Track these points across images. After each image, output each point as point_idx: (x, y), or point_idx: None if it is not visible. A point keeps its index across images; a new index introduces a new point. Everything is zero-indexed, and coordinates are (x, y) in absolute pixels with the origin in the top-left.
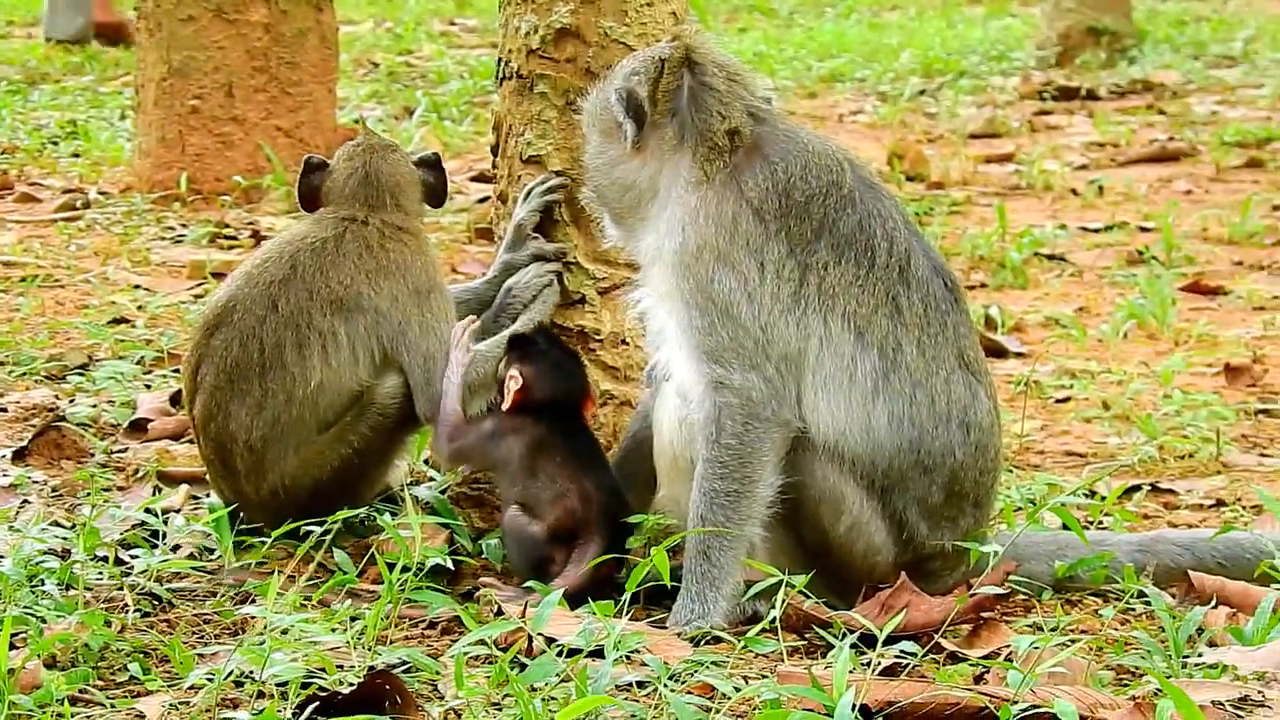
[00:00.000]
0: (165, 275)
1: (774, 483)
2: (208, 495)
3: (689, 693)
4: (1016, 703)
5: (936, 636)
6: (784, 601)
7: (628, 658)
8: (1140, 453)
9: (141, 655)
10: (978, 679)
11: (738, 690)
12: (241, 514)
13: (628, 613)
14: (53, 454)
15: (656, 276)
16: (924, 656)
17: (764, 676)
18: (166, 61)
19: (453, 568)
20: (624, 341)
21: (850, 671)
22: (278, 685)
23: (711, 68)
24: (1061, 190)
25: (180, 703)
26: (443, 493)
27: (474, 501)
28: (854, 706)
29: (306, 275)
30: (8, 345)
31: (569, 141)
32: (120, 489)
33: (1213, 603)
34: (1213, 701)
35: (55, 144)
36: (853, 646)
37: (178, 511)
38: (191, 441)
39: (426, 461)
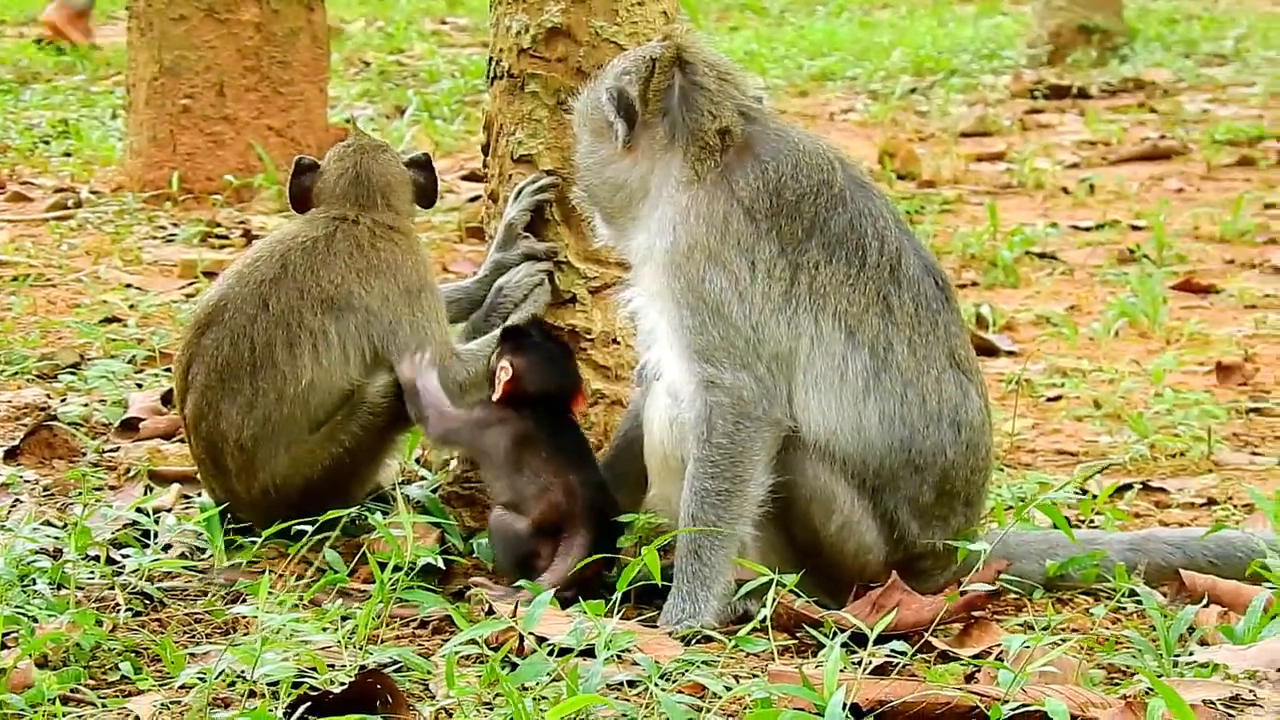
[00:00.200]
0: (157, 274)
1: (765, 482)
2: (199, 494)
3: (680, 692)
4: (1007, 702)
5: (927, 635)
6: (775, 600)
7: (619, 657)
8: (1131, 451)
9: (133, 654)
10: (968, 678)
11: (729, 689)
12: (232, 513)
13: (618, 612)
14: (44, 453)
15: (648, 276)
16: (915, 655)
17: (755, 676)
18: (158, 61)
19: (444, 567)
20: (615, 340)
21: (841, 670)
22: (269, 685)
23: (702, 67)
24: (1053, 189)
25: (171, 702)
26: (434, 492)
27: (465, 501)
28: (844, 705)
29: (297, 274)
30: None
31: (560, 141)
32: (112, 488)
33: (1204, 601)
34: (1204, 700)
35: (47, 143)
36: (843, 645)
37: (169, 511)
38: (183, 441)
39: (418, 460)
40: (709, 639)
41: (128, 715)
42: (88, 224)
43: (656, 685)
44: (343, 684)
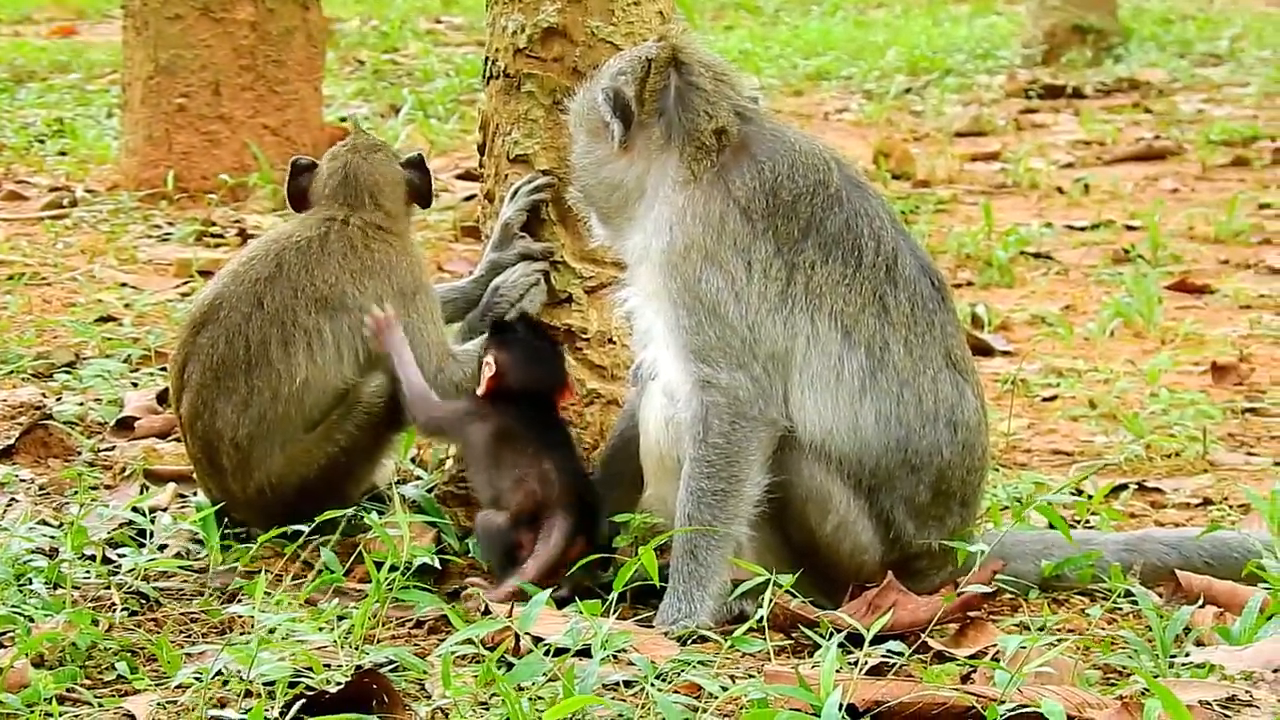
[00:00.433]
0: (152, 273)
1: (761, 482)
2: (195, 494)
3: (676, 692)
4: (1004, 702)
5: (923, 636)
6: (771, 601)
7: (615, 657)
8: (1127, 451)
9: (129, 654)
10: (965, 678)
11: (725, 689)
12: (228, 513)
13: (615, 612)
14: (40, 452)
15: (644, 276)
16: (911, 656)
17: (751, 676)
18: (153, 60)
19: (440, 567)
20: (611, 340)
21: (837, 671)
22: (265, 684)
23: (698, 67)
24: (1047, 188)
25: (168, 701)
26: (430, 492)
27: (461, 500)
28: (841, 706)
29: (292, 274)
30: None
31: (556, 140)
32: (107, 487)
33: (1200, 602)
34: (1200, 701)
35: (42, 142)
36: (840, 646)
37: (165, 510)
38: (178, 440)
39: (414, 460)
40: (705, 639)
41: (124, 715)
42: (83, 223)
43: (652, 685)
44: (339, 684)
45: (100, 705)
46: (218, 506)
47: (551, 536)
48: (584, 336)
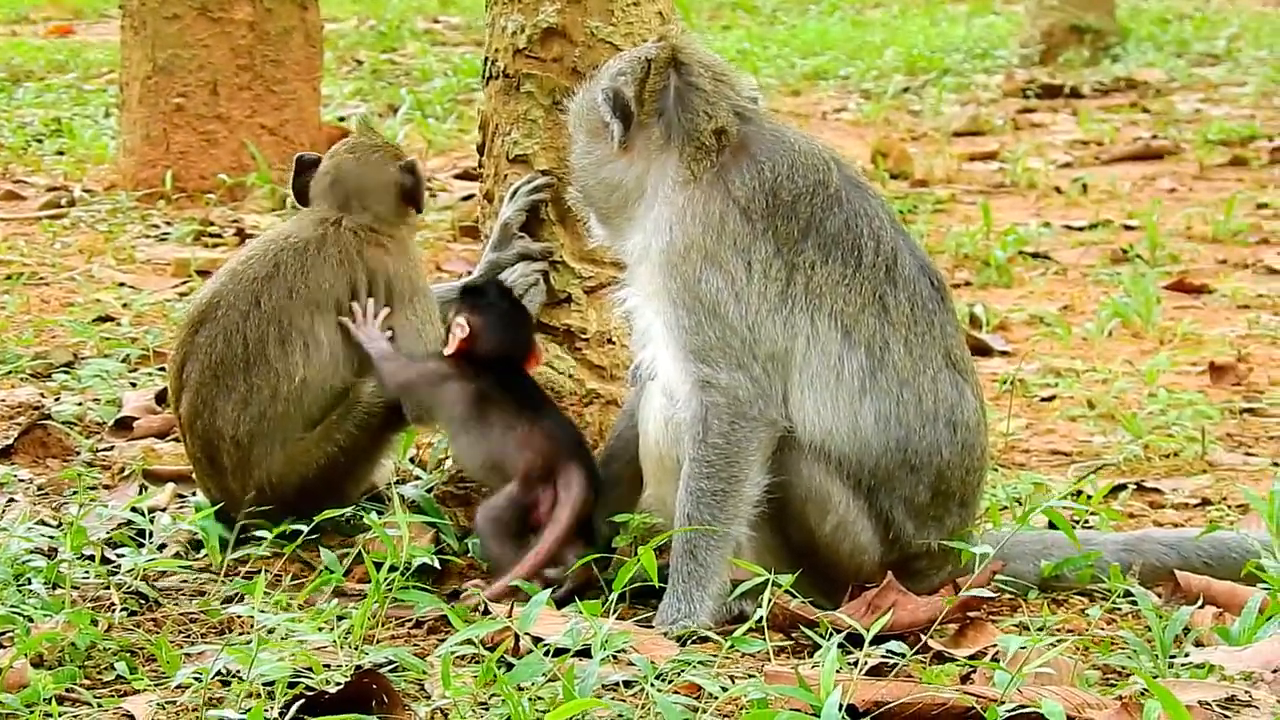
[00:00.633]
0: (150, 273)
1: (760, 482)
2: (194, 494)
3: (676, 692)
4: (1003, 703)
5: (923, 636)
6: (770, 601)
7: (614, 657)
8: (1125, 451)
9: (128, 654)
10: (964, 679)
11: (724, 690)
12: (228, 513)
13: (614, 612)
14: (38, 452)
15: (643, 276)
16: (911, 656)
17: (751, 676)
18: (151, 59)
19: (439, 567)
20: (610, 340)
21: (837, 671)
22: (264, 684)
23: (697, 68)
24: (1045, 188)
25: (167, 702)
26: (429, 492)
27: (460, 500)
28: (841, 706)
29: (288, 274)
30: None
31: (555, 141)
32: (106, 487)
33: (1199, 602)
34: (1199, 701)
35: (40, 141)
36: (839, 646)
37: (164, 510)
38: (177, 440)
39: (413, 460)
40: (705, 639)
41: (123, 715)
42: (81, 223)
43: (652, 686)
44: (338, 684)
45: (99, 705)
46: (217, 507)
47: (573, 486)
48: (583, 336)
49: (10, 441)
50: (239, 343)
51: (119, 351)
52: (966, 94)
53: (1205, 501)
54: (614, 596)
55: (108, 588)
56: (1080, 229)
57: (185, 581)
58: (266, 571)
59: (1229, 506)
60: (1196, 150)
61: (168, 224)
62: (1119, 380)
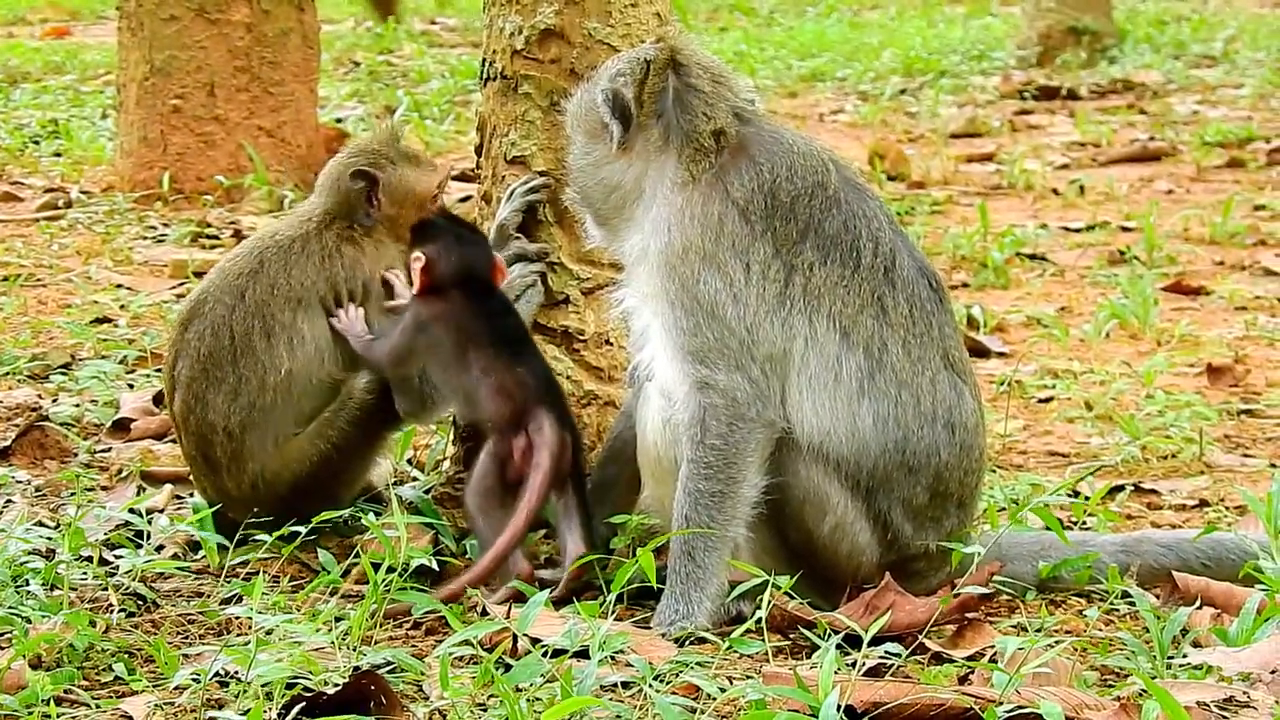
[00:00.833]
0: (147, 275)
1: (758, 483)
2: (191, 495)
3: (674, 693)
4: (1001, 704)
5: (921, 637)
6: (769, 602)
7: (613, 658)
8: (1123, 453)
9: (127, 655)
10: (962, 679)
11: (723, 691)
12: (225, 514)
13: (612, 613)
14: (36, 454)
15: (641, 277)
16: (909, 657)
17: (749, 677)
18: (148, 61)
19: (437, 568)
20: (608, 342)
21: (835, 672)
22: (263, 685)
23: (696, 69)
24: (1043, 190)
25: (165, 703)
26: (427, 493)
27: (458, 502)
28: (839, 707)
29: (271, 271)
30: None
31: (553, 142)
32: (104, 489)
33: (1197, 603)
34: (1198, 702)
35: (37, 143)
36: (838, 647)
37: (162, 511)
38: (174, 441)
39: (410, 462)
40: (703, 640)
41: (122, 716)
42: (78, 224)
43: (650, 687)
44: (337, 685)
45: (98, 707)
46: (215, 508)
47: (544, 429)
48: (581, 338)
49: (8, 443)
50: (226, 335)
51: (116, 353)
52: (964, 96)
53: (1203, 503)
54: (612, 597)
55: (106, 589)
56: (1077, 230)
57: (183, 583)
58: (265, 573)
59: (1227, 508)
60: (1194, 152)
61: (165, 225)
62: (1116, 381)
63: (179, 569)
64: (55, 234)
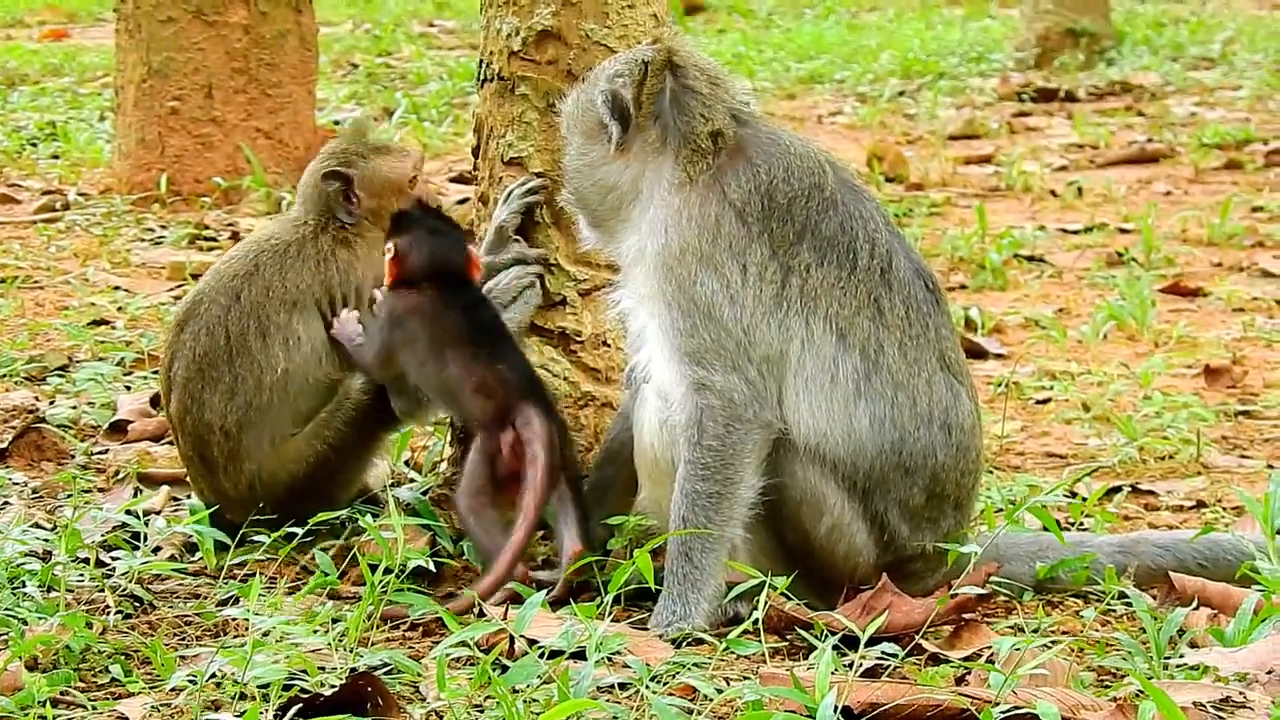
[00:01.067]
0: (145, 277)
1: (755, 484)
2: (188, 497)
3: (671, 694)
4: (998, 704)
5: (918, 638)
6: (766, 603)
7: (609, 659)
8: (1120, 454)
9: (123, 657)
10: (959, 680)
11: (720, 692)
12: (222, 516)
13: (609, 614)
14: (33, 455)
15: (638, 278)
16: (905, 658)
17: (746, 678)
18: (146, 63)
19: (434, 570)
20: (605, 343)
21: (832, 673)
22: (259, 687)
23: (693, 70)
24: (1041, 191)
25: (162, 704)
26: (424, 494)
27: (454, 503)
28: (836, 708)
29: (266, 273)
30: None
31: (550, 143)
32: (101, 490)
33: (1194, 604)
34: (1194, 703)
35: (34, 145)
36: (834, 648)
37: (158, 513)
38: (171, 443)
39: (408, 463)
40: (700, 641)
41: (118, 718)
42: (76, 226)
43: (647, 688)
44: (333, 686)
45: (94, 708)
46: (212, 509)
47: (533, 423)
48: (578, 339)
49: (5, 445)
50: (221, 335)
51: (114, 355)
52: (962, 97)
53: (1200, 504)
54: (609, 598)
55: (102, 590)
56: (1075, 232)
57: (180, 584)
58: (262, 574)
59: (1224, 508)
60: (1192, 154)
61: (163, 227)
62: (1114, 383)
63: (176, 570)
64: (53, 236)
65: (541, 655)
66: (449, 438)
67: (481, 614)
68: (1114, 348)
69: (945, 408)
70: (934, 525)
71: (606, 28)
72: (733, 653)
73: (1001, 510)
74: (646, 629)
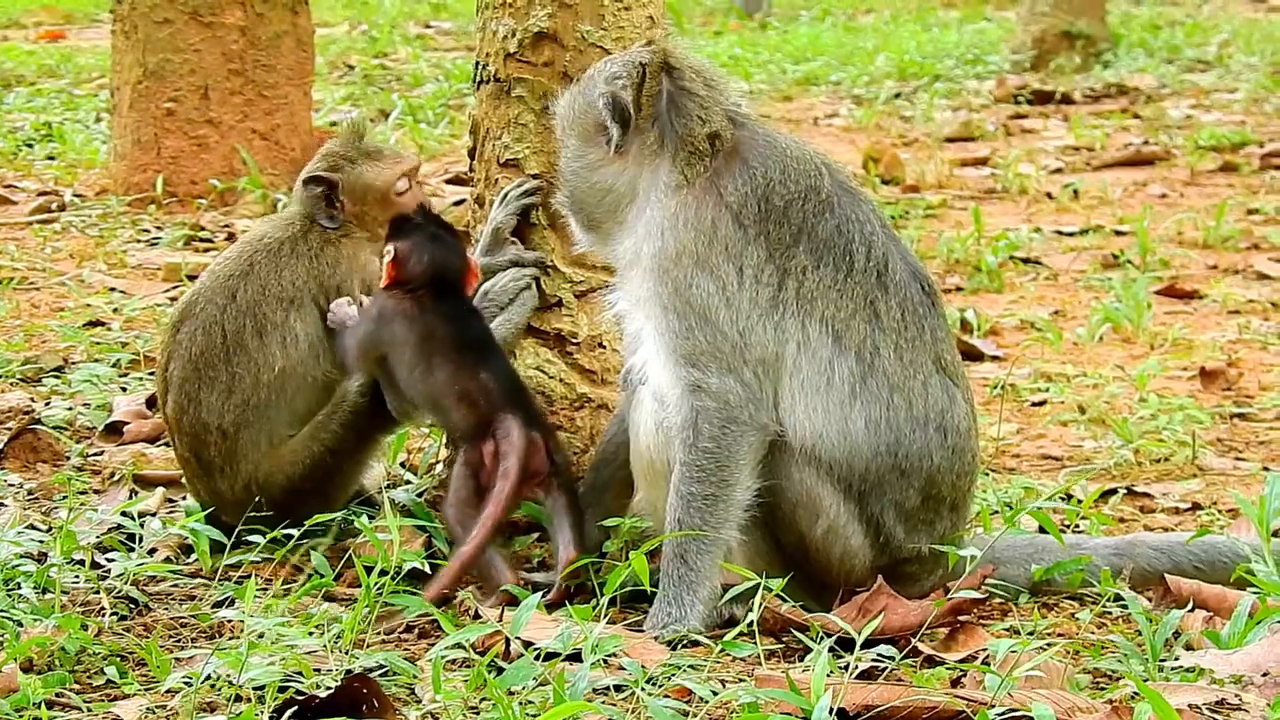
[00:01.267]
0: (141, 278)
1: (751, 486)
2: (184, 498)
3: (666, 696)
4: (994, 706)
5: (914, 640)
6: (761, 605)
7: (605, 661)
8: (1116, 456)
9: (118, 659)
10: (955, 682)
11: (715, 694)
12: (218, 517)
13: (605, 616)
14: (29, 457)
15: (634, 280)
16: (901, 660)
17: (741, 680)
18: (142, 64)
19: (430, 571)
20: (601, 345)
21: (828, 675)
22: (255, 689)
23: (689, 72)
24: (1036, 194)
25: (157, 706)
26: (419, 496)
27: None
28: (831, 710)
29: (261, 272)
30: None
31: (547, 145)
32: (96, 492)
33: (1189, 606)
34: (1190, 705)
35: (30, 146)
36: (830, 650)
37: (154, 515)
38: (167, 444)
39: (403, 465)
40: (695, 643)
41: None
42: (71, 227)
43: (643, 690)
44: (329, 688)
45: (89, 710)
46: (208, 511)
47: (511, 434)
48: (574, 341)
49: (0, 446)
50: (218, 334)
51: (109, 356)
52: (958, 100)
53: (1195, 506)
54: (605, 601)
55: (98, 592)
56: (1071, 234)
57: (175, 586)
58: (257, 576)
59: (1219, 511)
60: (1187, 156)
61: (158, 229)
62: (1110, 385)
63: (171, 572)
64: (49, 237)
65: (537, 657)
66: (444, 440)
67: (477, 616)
68: (1109, 350)
69: (941, 410)
70: (929, 527)
71: (602, 29)
72: (728, 655)
73: (997, 512)
74: (642, 631)
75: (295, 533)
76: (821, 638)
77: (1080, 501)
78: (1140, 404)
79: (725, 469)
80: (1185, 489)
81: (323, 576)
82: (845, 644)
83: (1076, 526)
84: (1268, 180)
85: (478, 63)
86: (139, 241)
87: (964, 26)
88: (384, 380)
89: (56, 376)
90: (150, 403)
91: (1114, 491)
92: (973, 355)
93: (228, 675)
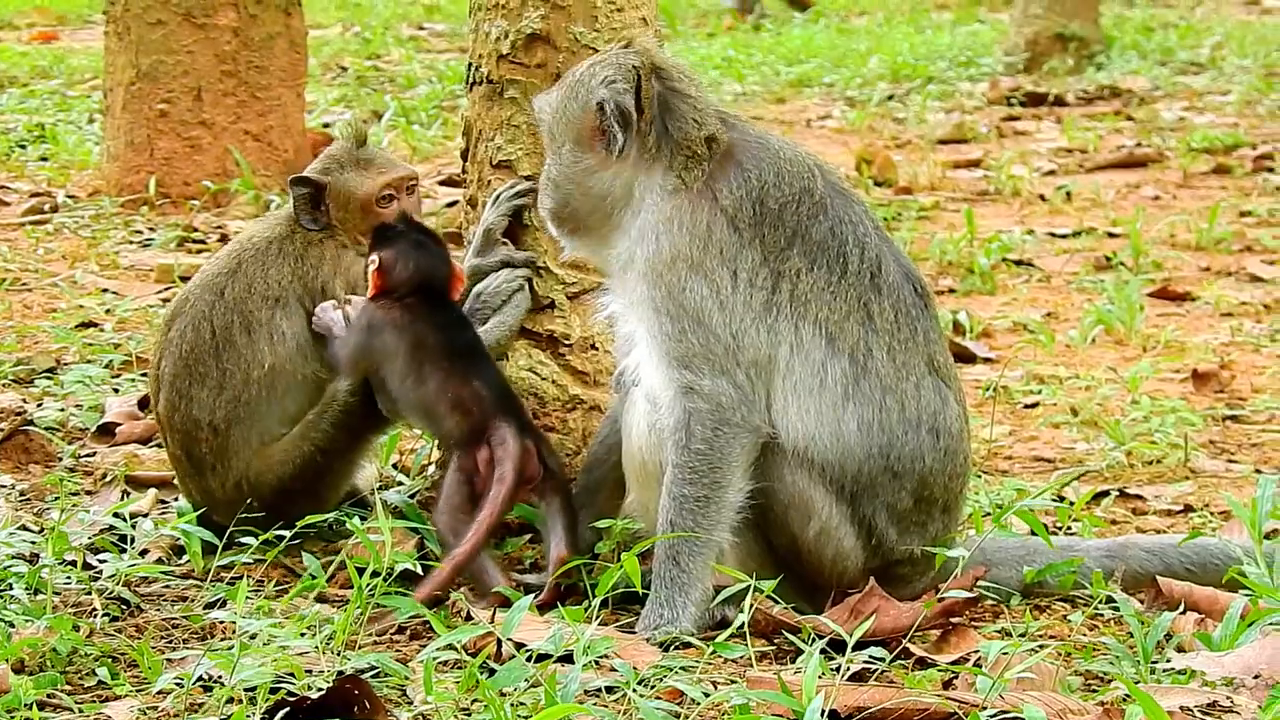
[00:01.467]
0: (133, 279)
1: (743, 488)
2: (176, 499)
3: (658, 698)
4: (985, 708)
5: (905, 642)
6: (753, 606)
7: (597, 663)
8: (1108, 458)
9: (110, 660)
10: (946, 684)
11: (707, 695)
12: (210, 518)
13: (597, 618)
14: (20, 458)
15: (628, 283)
16: (893, 662)
17: (733, 682)
18: (135, 65)
19: (422, 573)
20: (594, 346)
21: (819, 677)
22: (246, 690)
23: (676, 74)
24: (1029, 196)
25: (149, 707)
26: (412, 497)
27: None
28: (823, 712)
29: (248, 271)
30: None
31: (539, 146)
32: (88, 493)
33: (1181, 608)
34: (1181, 707)
35: (23, 147)
36: (822, 652)
37: (146, 515)
38: (159, 445)
39: (396, 466)
40: (687, 645)
41: None
42: (64, 228)
43: (635, 691)
44: (320, 690)
45: (81, 711)
46: (199, 512)
47: (506, 441)
48: (566, 342)
49: None
50: (206, 330)
51: (102, 357)
52: (951, 102)
53: (1187, 508)
54: (596, 602)
55: (89, 593)
56: (1064, 236)
57: (167, 587)
58: (249, 577)
59: (1211, 513)
60: (1180, 158)
61: (151, 230)
62: (1102, 387)
63: (163, 573)
64: (41, 238)
65: (529, 659)
66: (436, 441)
67: (469, 617)
68: (1102, 352)
69: (933, 412)
70: (922, 529)
71: (595, 31)
72: (720, 656)
73: (989, 514)
74: (634, 632)
75: (287, 534)
76: (813, 639)
77: (1072, 503)
78: (1132, 406)
79: (717, 471)
80: (1177, 491)
81: (315, 578)
82: (837, 646)
83: (1069, 529)
84: (1260, 182)
85: (470, 64)
86: (132, 243)
87: (957, 28)
88: (376, 385)
89: (49, 377)
90: (142, 404)
91: (1106, 493)
92: (965, 357)
93: (219, 676)
